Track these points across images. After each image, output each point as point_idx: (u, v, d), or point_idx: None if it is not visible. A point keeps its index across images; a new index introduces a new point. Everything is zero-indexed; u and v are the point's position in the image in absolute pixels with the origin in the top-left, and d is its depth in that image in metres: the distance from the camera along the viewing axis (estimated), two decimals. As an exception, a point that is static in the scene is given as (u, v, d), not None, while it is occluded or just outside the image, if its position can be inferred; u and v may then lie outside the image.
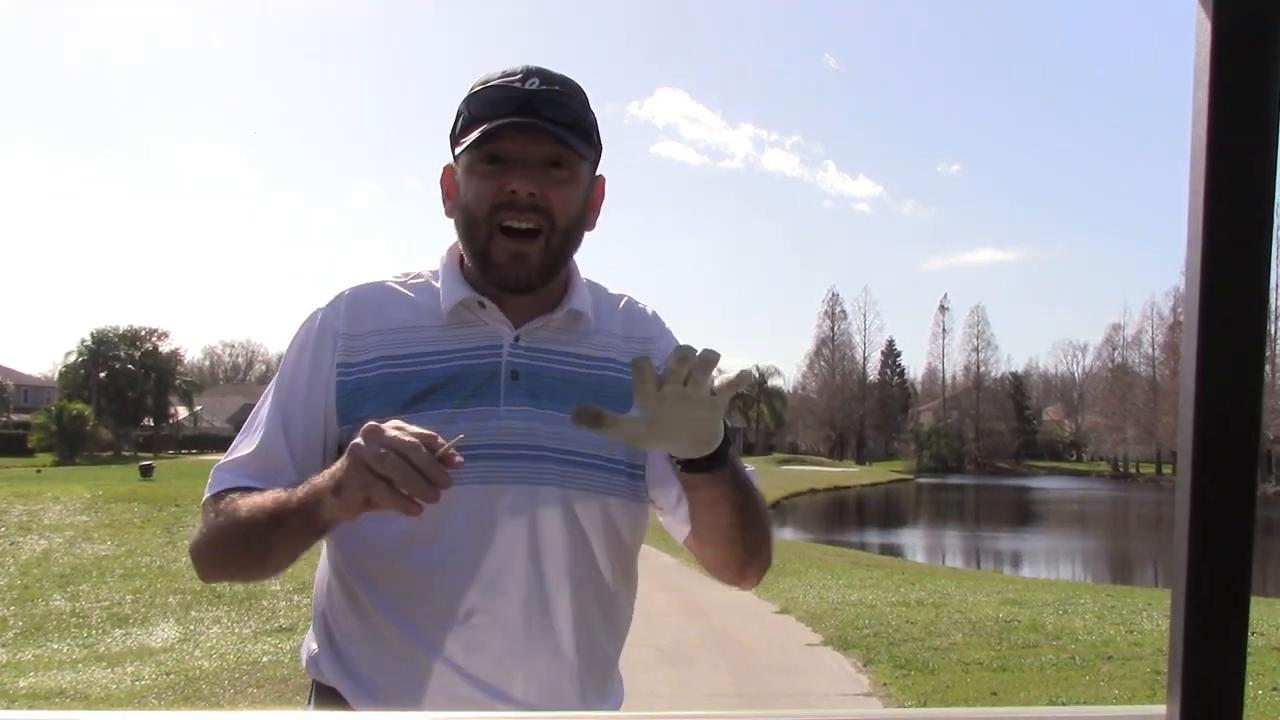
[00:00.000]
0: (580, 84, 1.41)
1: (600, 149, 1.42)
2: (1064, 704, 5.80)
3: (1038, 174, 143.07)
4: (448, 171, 1.42)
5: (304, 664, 1.45)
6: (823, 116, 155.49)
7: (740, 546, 1.41)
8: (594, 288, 1.49)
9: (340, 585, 1.40)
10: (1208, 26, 0.68)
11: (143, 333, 72.08)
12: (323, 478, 1.20)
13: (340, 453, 1.26)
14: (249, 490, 1.33)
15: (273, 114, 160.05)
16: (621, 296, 1.53)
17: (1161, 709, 0.76)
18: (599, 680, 1.42)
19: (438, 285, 1.42)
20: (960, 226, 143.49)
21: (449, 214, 1.41)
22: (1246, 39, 0.68)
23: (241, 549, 1.32)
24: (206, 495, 1.38)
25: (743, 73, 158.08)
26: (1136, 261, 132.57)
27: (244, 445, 1.39)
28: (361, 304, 1.40)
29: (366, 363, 1.36)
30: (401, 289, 1.43)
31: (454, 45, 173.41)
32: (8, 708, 6.46)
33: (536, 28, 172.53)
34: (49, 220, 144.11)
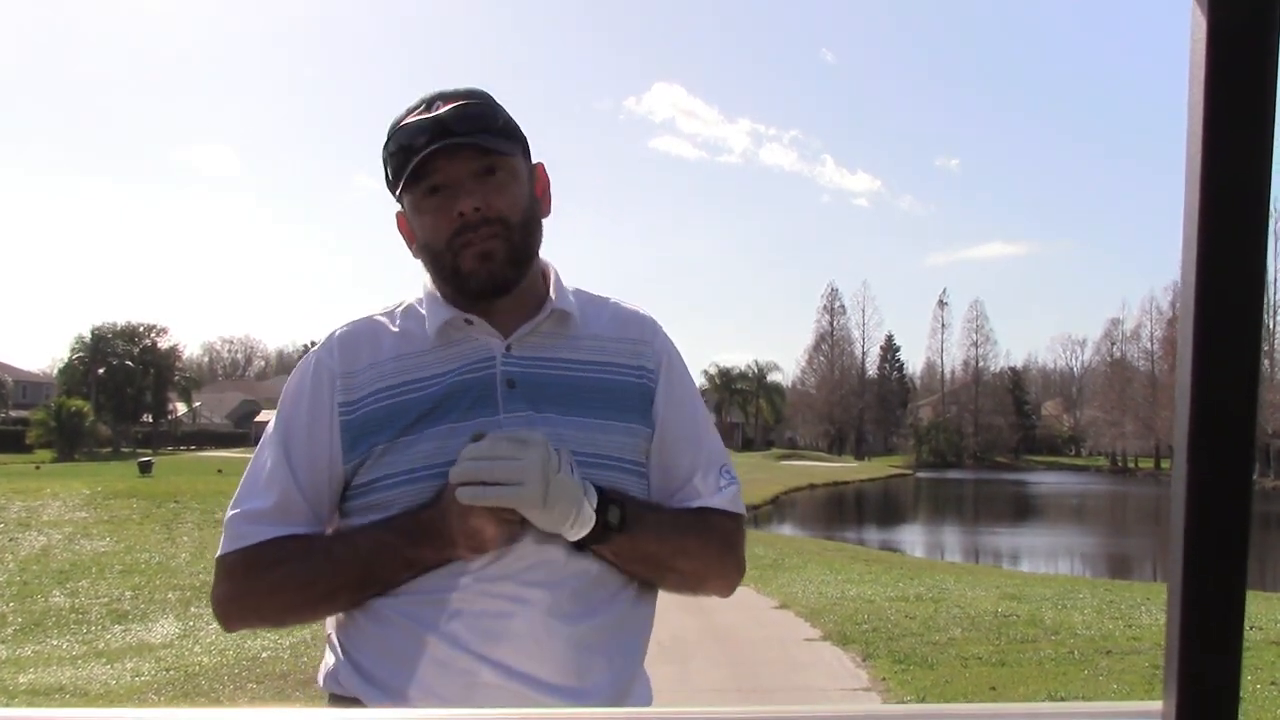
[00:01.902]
0: (483, 89, 1.44)
1: (525, 141, 1.45)
2: (1062, 699, 5.81)
3: (1036, 170, 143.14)
4: (400, 218, 1.47)
5: (321, 684, 1.44)
6: (821, 111, 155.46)
7: (673, 586, 1.49)
8: (580, 293, 1.52)
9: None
10: (1203, 22, 0.68)
11: (141, 329, 72.12)
12: (431, 534, 1.30)
13: (346, 488, 1.39)
14: (287, 544, 1.36)
15: (270, 110, 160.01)
16: (607, 298, 1.55)
17: (1158, 705, 0.76)
18: (629, 674, 1.41)
19: (423, 311, 1.44)
20: (961, 221, 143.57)
21: (415, 255, 1.46)
22: (1242, 34, 0.68)
23: (321, 607, 1.40)
24: (232, 549, 1.38)
25: (740, 67, 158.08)
26: (1135, 257, 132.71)
27: (257, 496, 1.40)
28: (353, 342, 1.44)
29: (366, 397, 1.39)
30: (388, 321, 1.46)
31: (450, 41, 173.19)
32: (7, 704, 6.46)
33: (532, 23, 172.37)
34: (48, 217, 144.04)
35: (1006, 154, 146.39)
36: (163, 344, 72.76)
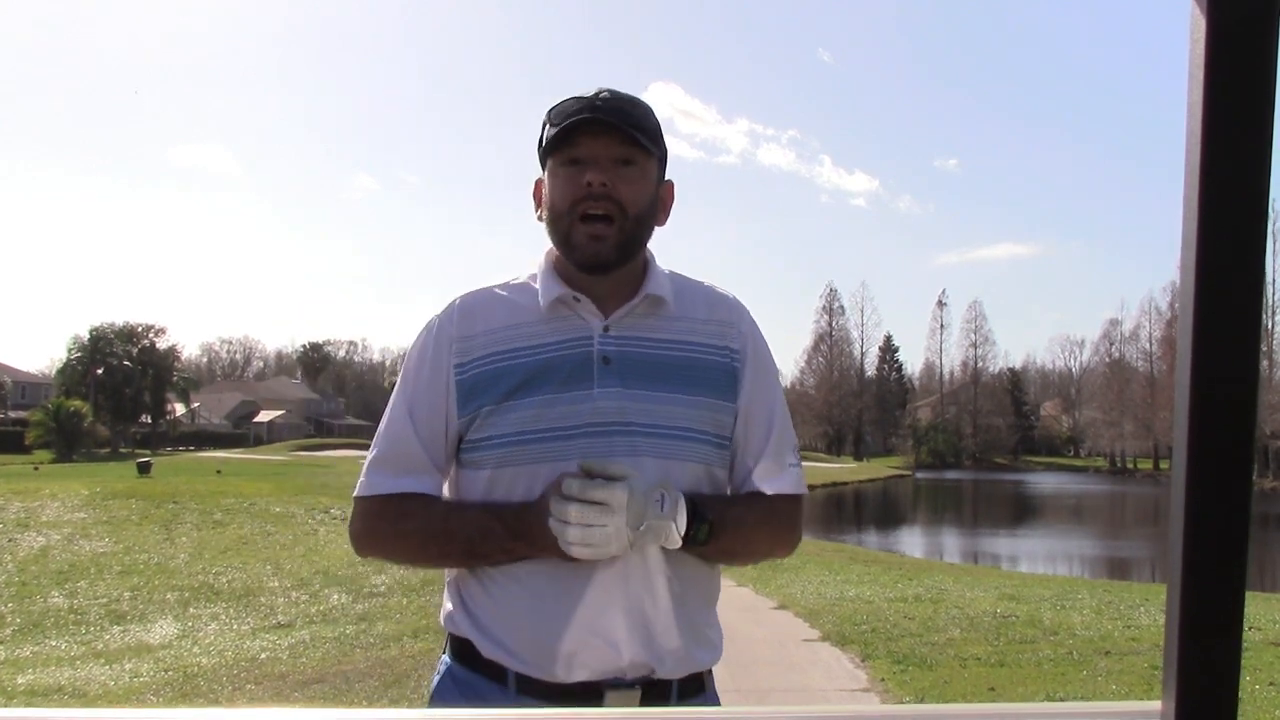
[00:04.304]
0: (647, 103, 1.61)
1: (665, 155, 1.63)
2: (1061, 699, 5.81)
3: (1034, 170, 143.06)
4: (538, 184, 1.62)
5: (442, 622, 1.65)
6: (819, 111, 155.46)
7: (739, 565, 1.77)
8: (675, 277, 1.67)
9: None
10: (1202, 23, 0.68)
11: (140, 329, 72.05)
12: (531, 536, 1.47)
13: (460, 440, 1.57)
14: (416, 503, 1.57)
15: (269, 110, 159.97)
16: (701, 283, 1.71)
17: (1157, 705, 0.76)
18: (697, 626, 1.58)
19: (536, 285, 1.60)
20: (959, 222, 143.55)
21: (540, 219, 1.61)
22: (1241, 35, 0.68)
23: (434, 563, 1.67)
24: (363, 494, 1.60)
25: (737, 67, 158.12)
26: (1134, 257, 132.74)
27: (383, 445, 1.60)
28: (471, 310, 1.61)
29: (478, 359, 1.56)
30: (504, 293, 1.63)
31: (448, 41, 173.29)
32: (5, 705, 6.46)
33: (529, 22, 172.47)
34: (46, 218, 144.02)
35: (1005, 154, 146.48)
36: (161, 344, 72.70)
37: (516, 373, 1.53)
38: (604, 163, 1.53)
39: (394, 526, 1.59)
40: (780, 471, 1.63)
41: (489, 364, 1.55)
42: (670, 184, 1.67)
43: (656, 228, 1.64)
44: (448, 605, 1.63)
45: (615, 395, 1.52)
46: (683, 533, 1.46)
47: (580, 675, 1.49)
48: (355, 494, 1.62)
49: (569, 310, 1.58)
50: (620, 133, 1.53)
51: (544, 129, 1.58)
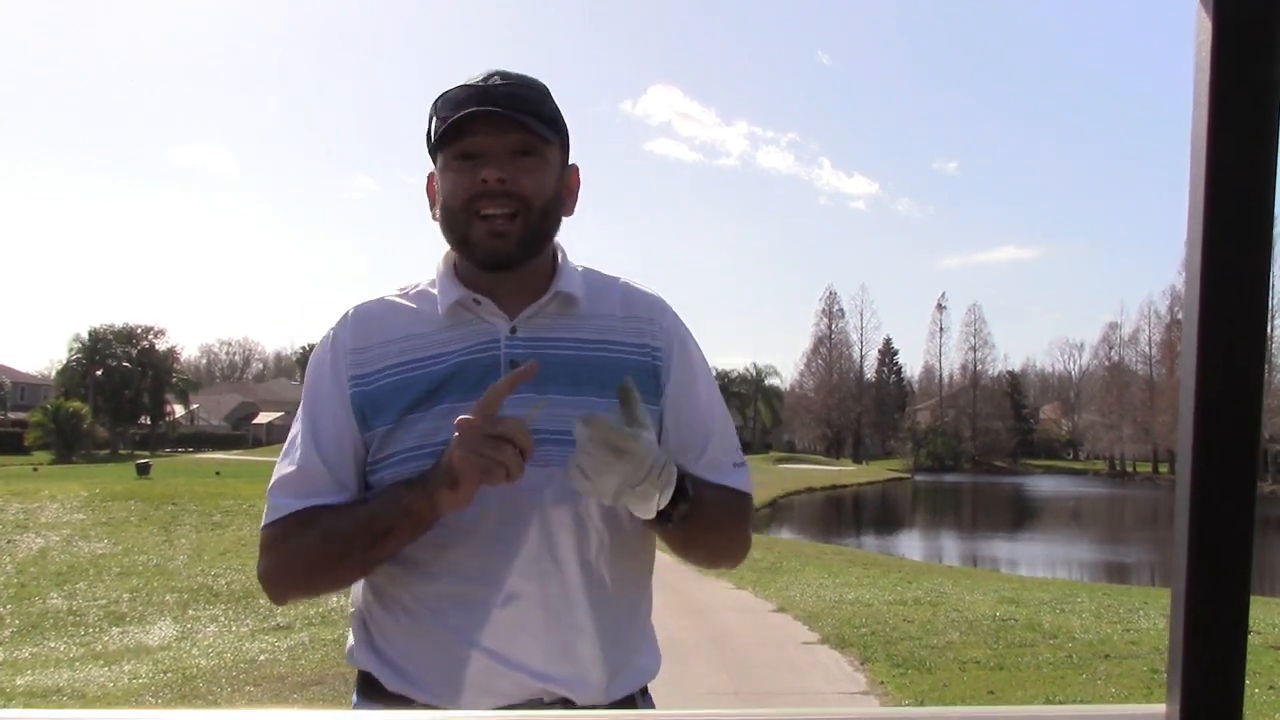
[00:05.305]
0: (543, 82, 1.48)
1: (567, 138, 1.50)
2: (1061, 703, 5.80)
3: (1034, 172, 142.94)
4: (430, 179, 1.51)
5: (347, 658, 1.55)
6: (818, 114, 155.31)
7: (695, 560, 1.62)
8: (590, 273, 1.56)
9: (368, 582, 1.50)
10: (1208, 25, 0.68)
11: (139, 330, 71.98)
12: (425, 479, 1.33)
13: (367, 455, 1.44)
14: (319, 510, 1.43)
15: (269, 110, 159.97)
16: (618, 278, 1.58)
17: (1161, 708, 0.75)
18: (624, 650, 1.49)
19: (434, 291, 1.49)
20: (959, 224, 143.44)
21: (434, 217, 1.49)
22: (1246, 37, 0.68)
23: (340, 566, 1.43)
24: (267, 521, 1.46)
25: (736, 69, 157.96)
26: (1133, 260, 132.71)
27: (286, 466, 1.47)
28: (366, 319, 1.50)
29: (376, 373, 1.45)
30: (401, 300, 1.52)
31: (447, 42, 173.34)
32: (4, 706, 6.45)
33: (528, 24, 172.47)
34: (46, 218, 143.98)
35: (1004, 157, 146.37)
36: (160, 346, 72.61)
37: (416, 385, 1.42)
38: (500, 155, 1.40)
39: (296, 541, 1.44)
40: (727, 471, 1.52)
41: (386, 377, 1.44)
42: (575, 169, 1.53)
43: (564, 218, 1.51)
44: (351, 640, 1.53)
45: (527, 402, 1.36)
46: (662, 507, 1.32)
47: (489, 703, 1.39)
48: (260, 528, 1.47)
49: (470, 314, 1.46)
50: (515, 121, 1.40)
51: (431, 120, 1.44)
